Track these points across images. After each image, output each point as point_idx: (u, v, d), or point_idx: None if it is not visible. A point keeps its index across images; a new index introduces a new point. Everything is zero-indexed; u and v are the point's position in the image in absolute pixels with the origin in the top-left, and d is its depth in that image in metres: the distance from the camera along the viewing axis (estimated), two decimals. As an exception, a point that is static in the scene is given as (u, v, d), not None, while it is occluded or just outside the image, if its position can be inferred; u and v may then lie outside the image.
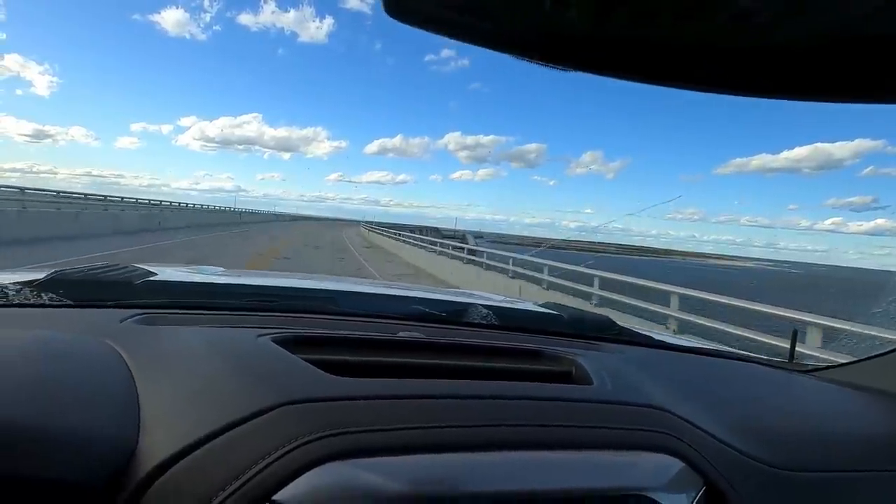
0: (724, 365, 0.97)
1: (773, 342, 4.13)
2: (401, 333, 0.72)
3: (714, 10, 0.27)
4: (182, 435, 0.43)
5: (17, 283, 0.82)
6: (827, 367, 0.97)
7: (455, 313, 0.95)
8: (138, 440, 0.43)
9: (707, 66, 0.31)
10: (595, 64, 0.31)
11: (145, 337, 0.62)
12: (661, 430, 0.54)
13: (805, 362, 1.08)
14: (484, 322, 0.93)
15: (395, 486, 0.41)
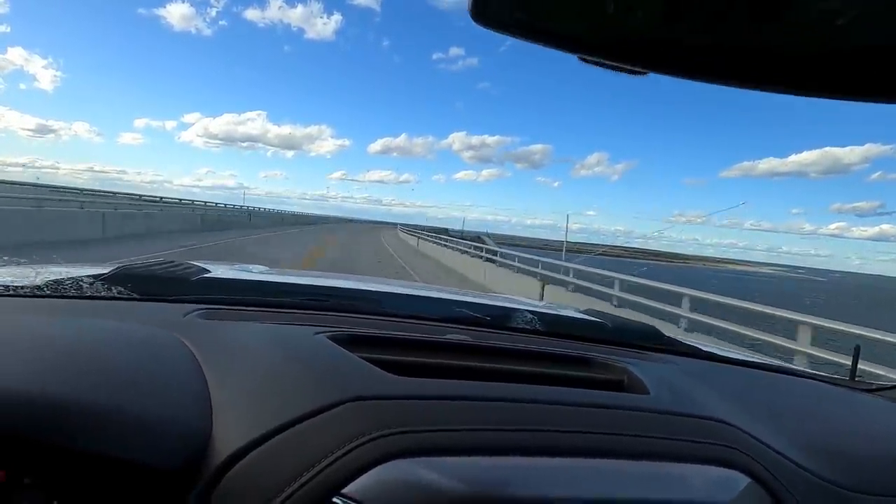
0: (784, 380, 0.94)
1: (832, 358, 3.91)
2: (448, 336, 0.73)
3: (789, 12, 0.28)
4: (253, 425, 0.44)
5: (90, 276, 0.86)
6: (893, 387, 0.93)
7: (499, 317, 0.96)
8: (212, 428, 0.45)
9: (767, 67, 0.32)
10: (662, 64, 0.32)
11: (208, 331, 0.65)
12: (726, 443, 0.52)
13: (866, 380, 1.04)
14: (528, 327, 0.93)
15: (456, 487, 0.42)
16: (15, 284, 0.81)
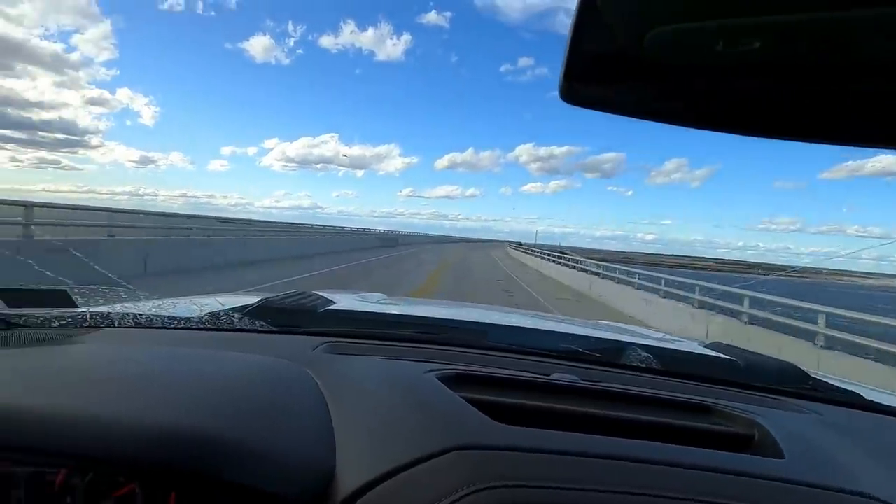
0: None
1: None
2: (554, 375, 0.71)
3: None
4: (369, 466, 0.46)
5: (238, 307, 0.97)
6: None
7: (611, 353, 0.91)
8: (335, 465, 0.47)
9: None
10: (755, 127, 0.35)
11: (331, 365, 0.68)
12: None
13: None
14: (642, 365, 0.86)
15: None
16: (175, 316, 0.90)
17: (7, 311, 0.82)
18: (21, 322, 0.78)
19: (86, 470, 0.42)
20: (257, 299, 1.04)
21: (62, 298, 0.93)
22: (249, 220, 17.19)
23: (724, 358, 0.96)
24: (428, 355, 0.77)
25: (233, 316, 0.92)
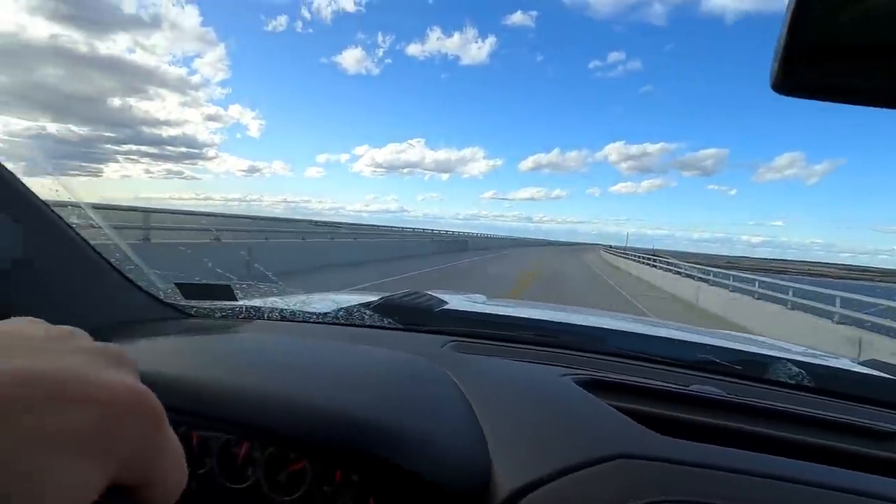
0: None
1: None
2: (693, 386, 0.70)
3: None
4: (527, 467, 0.46)
5: (363, 304, 1.03)
6: None
7: (754, 367, 0.86)
8: (491, 462, 0.47)
9: None
10: None
11: (463, 364, 0.70)
12: None
13: None
14: (791, 382, 0.81)
15: None
16: (313, 311, 0.99)
17: (184, 302, 0.92)
18: (192, 312, 0.89)
19: (266, 444, 0.47)
20: (377, 297, 1.10)
21: (226, 292, 1.01)
22: (339, 223, 17.89)
23: (883, 376, 0.90)
24: (557, 359, 0.78)
25: (364, 312, 0.98)
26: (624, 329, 1.19)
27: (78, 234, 0.70)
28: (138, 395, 0.20)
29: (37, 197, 0.64)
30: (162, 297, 0.86)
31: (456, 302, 1.19)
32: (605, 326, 1.16)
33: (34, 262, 0.63)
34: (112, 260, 0.76)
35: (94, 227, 0.82)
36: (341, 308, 1.00)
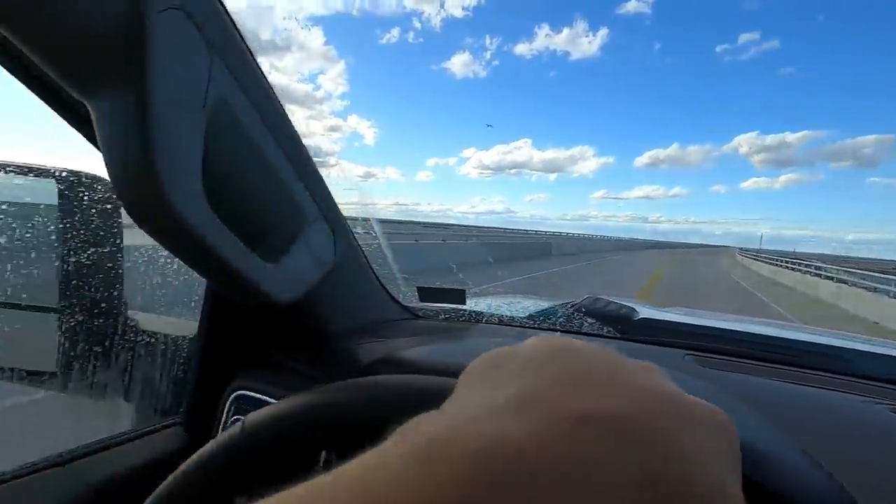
0: None
1: None
2: None
3: None
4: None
5: (574, 308, 0.99)
6: None
7: None
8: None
9: None
10: None
11: (724, 382, 0.62)
12: None
13: None
14: None
15: None
16: (533, 316, 0.98)
17: (417, 304, 0.96)
18: (420, 314, 0.93)
19: None
20: (560, 302, 1.07)
21: (458, 297, 1.01)
22: (446, 224, 18.08)
23: None
24: (810, 380, 0.70)
25: (584, 320, 0.95)
26: (873, 351, 1.02)
27: (356, 237, 0.76)
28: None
29: (334, 201, 0.69)
30: (400, 299, 0.90)
31: (646, 310, 1.09)
32: (845, 346, 1.01)
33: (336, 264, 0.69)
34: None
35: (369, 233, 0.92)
36: (566, 315, 0.97)
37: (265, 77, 0.53)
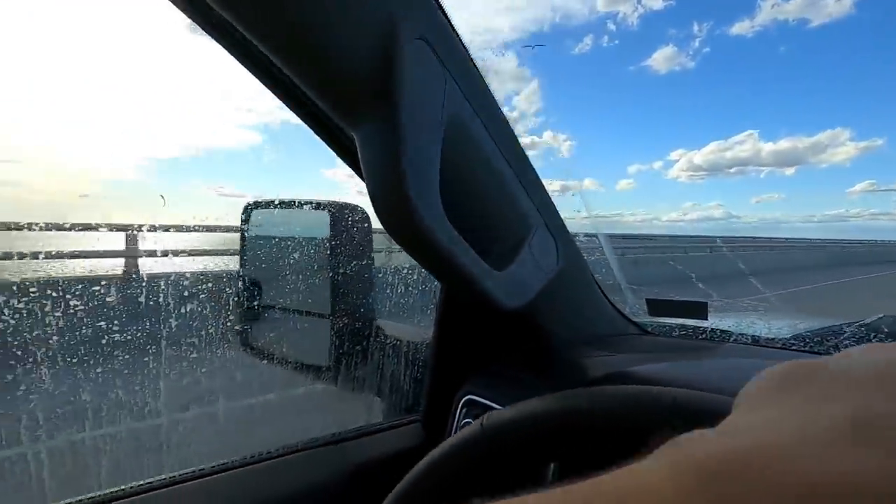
0: None
1: None
2: None
3: None
4: None
5: (856, 329, 0.85)
6: None
7: None
8: None
9: None
10: None
11: None
12: None
13: None
14: None
15: None
16: (800, 336, 0.84)
17: (646, 319, 0.89)
18: (650, 330, 0.84)
19: None
20: (834, 320, 0.93)
21: (698, 311, 0.91)
22: (653, 236, 17.24)
23: None
24: None
25: (851, 342, 0.80)
26: None
27: (577, 244, 0.74)
28: None
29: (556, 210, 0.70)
30: (626, 312, 0.85)
31: None
32: None
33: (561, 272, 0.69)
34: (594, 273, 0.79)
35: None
36: (844, 333, 0.83)
37: (491, 92, 0.56)
